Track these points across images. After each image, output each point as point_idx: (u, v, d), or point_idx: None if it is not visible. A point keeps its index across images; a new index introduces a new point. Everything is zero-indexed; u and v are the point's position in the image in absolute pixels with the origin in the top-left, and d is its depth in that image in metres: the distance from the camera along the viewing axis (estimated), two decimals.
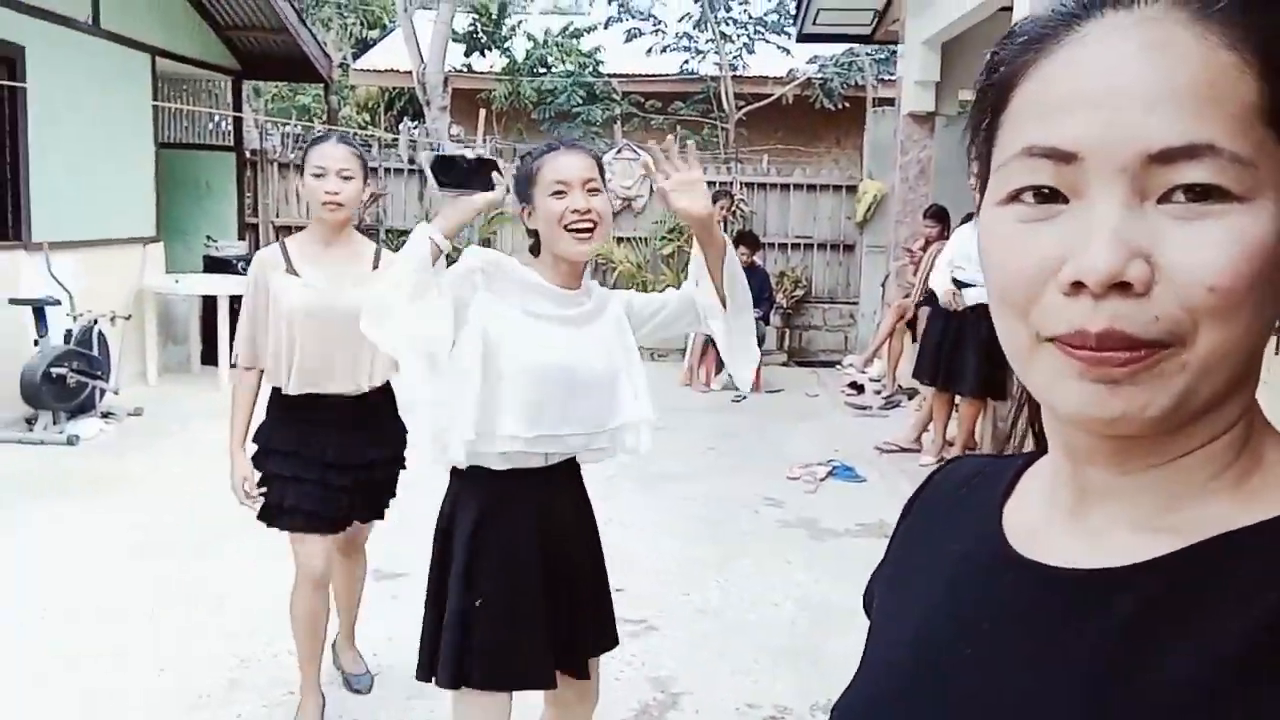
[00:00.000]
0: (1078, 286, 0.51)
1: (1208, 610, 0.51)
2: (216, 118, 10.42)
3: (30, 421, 6.41)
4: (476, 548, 2.06)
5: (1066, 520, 0.60)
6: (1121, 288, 0.50)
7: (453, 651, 2.04)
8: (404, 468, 3.11)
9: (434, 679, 2.10)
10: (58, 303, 6.51)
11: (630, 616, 3.85)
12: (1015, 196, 0.54)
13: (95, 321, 6.76)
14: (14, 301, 6.38)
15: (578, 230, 2.01)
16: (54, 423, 6.35)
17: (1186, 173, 0.49)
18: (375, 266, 2.88)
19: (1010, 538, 0.62)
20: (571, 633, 2.13)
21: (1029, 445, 0.69)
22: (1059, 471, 0.61)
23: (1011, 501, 0.65)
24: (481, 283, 2.02)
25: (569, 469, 2.18)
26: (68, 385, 6.29)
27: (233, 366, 3.13)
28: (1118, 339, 0.51)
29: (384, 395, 3.00)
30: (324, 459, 2.84)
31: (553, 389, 2.01)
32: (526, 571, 2.06)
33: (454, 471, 2.13)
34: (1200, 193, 0.50)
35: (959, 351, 5.82)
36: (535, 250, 2.13)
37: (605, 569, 2.27)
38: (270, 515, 2.89)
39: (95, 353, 6.65)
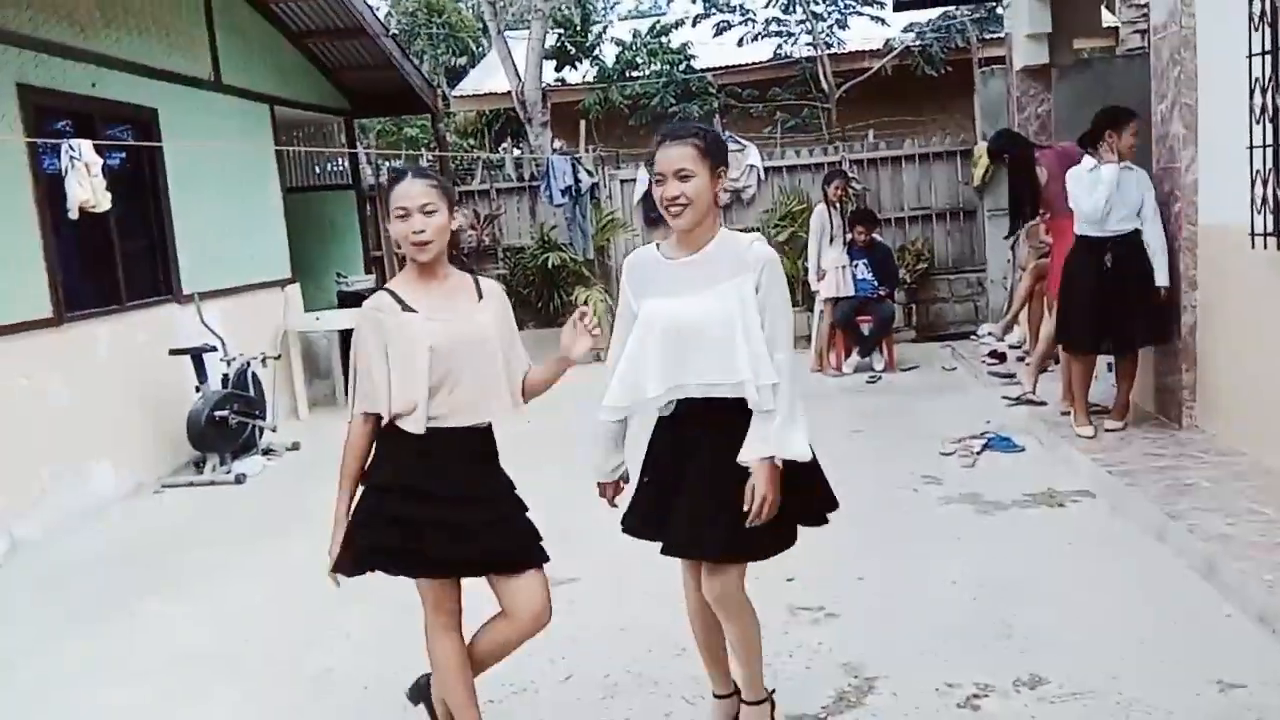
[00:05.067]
0: None
1: None
2: (333, 157, 10.80)
3: (199, 464, 6.75)
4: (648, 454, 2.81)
5: None
6: None
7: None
8: (519, 509, 2.82)
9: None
10: (213, 349, 6.82)
11: (807, 604, 3.81)
12: None
13: (248, 364, 7.07)
14: (174, 352, 6.71)
15: (671, 211, 2.61)
16: (221, 464, 6.67)
17: None
18: (480, 297, 2.80)
19: None
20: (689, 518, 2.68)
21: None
22: None
23: None
24: (630, 289, 2.72)
25: (706, 407, 2.63)
26: (230, 426, 6.59)
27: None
28: None
29: (490, 433, 2.84)
30: (449, 495, 2.68)
31: (669, 348, 2.58)
32: (670, 468, 2.73)
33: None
34: None
35: (1120, 306, 5.25)
36: None
37: (730, 478, 2.61)
38: (397, 563, 2.72)
39: (252, 393, 6.96)
